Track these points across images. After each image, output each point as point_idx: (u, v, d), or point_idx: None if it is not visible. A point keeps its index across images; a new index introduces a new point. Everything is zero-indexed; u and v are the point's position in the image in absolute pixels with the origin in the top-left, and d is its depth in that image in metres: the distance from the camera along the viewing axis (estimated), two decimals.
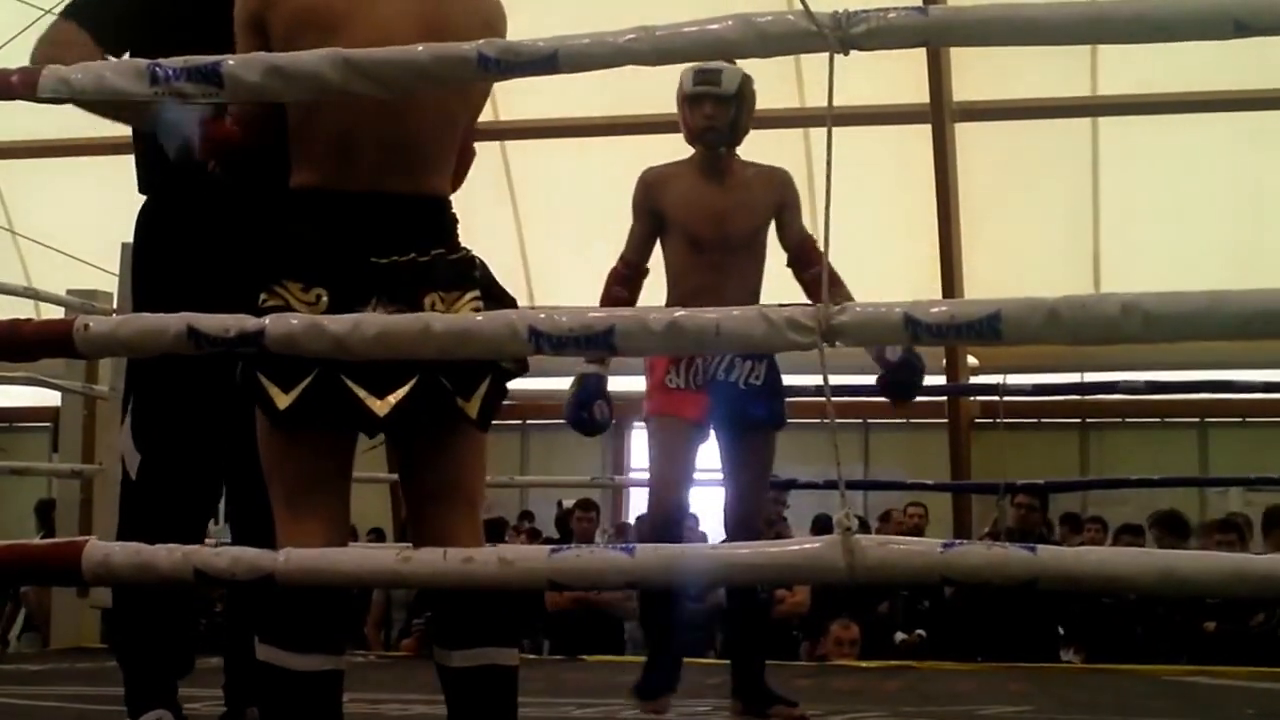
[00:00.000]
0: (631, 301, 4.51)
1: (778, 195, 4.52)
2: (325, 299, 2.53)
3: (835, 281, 4.28)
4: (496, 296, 2.64)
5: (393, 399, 2.52)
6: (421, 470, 2.66)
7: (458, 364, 2.53)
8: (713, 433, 4.51)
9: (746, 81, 4.42)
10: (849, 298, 4.16)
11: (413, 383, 2.52)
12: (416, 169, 2.62)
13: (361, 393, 2.52)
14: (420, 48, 2.35)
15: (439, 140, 2.65)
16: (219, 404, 3.04)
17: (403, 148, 2.61)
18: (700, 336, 2.25)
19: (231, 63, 2.39)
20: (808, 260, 4.52)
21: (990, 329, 2.09)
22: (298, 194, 2.64)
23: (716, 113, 4.39)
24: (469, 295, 2.59)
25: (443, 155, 2.67)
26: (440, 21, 2.60)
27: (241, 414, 2.65)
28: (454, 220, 2.69)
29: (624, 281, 4.55)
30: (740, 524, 4.42)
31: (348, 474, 2.68)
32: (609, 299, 4.48)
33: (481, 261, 2.68)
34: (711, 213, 4.45)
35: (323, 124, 2.60)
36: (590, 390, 4.43)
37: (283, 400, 2.53)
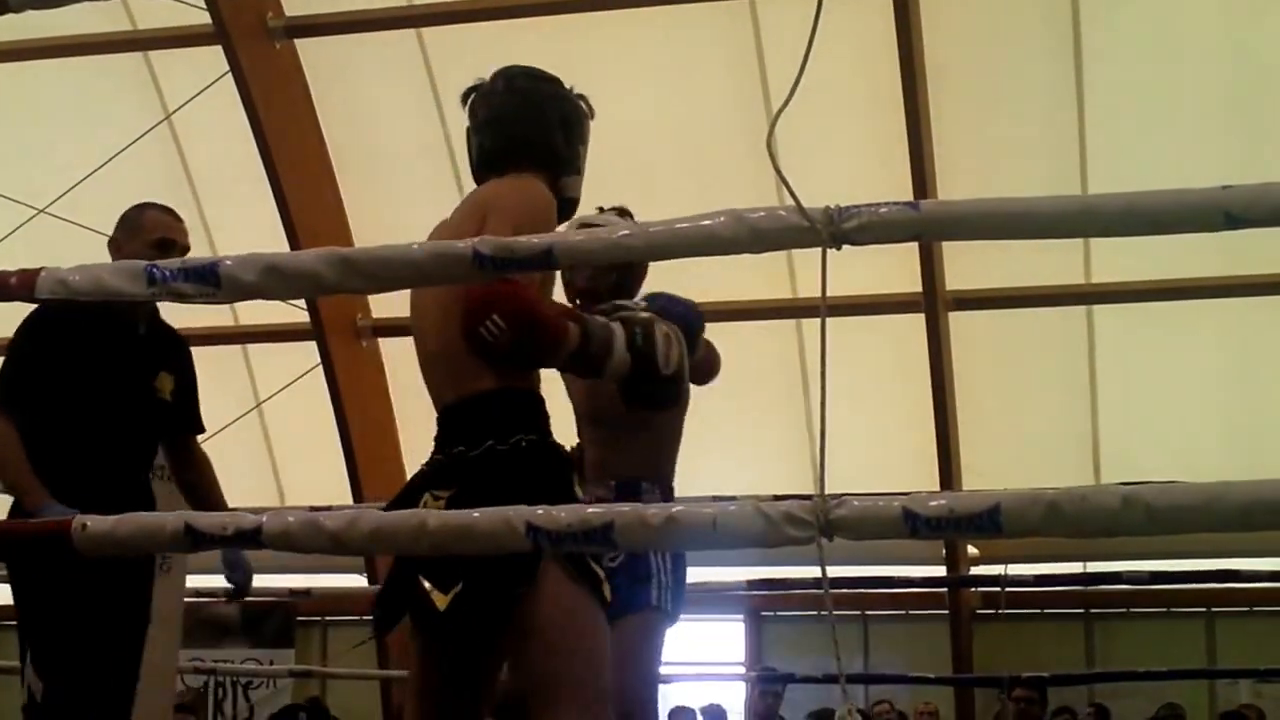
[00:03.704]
0: None
1: None
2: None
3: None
4: (479, 490, 2.61)
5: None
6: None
7: (441, 563, 2.56)
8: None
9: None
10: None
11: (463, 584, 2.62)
12: (456, 375, 2.80)
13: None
14: (415, 245, 2.37)
15: (455, 344, 2.77)
16: (118, 627, 3.46)
17: (446, 359, 2.80)
18: (697, 531, 2.23)
19: (229, 263, 2.41)
20: None
21: (990, 522, 2.07)
22: None
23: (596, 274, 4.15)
24: (444, 494, 2.67)
25: (467, 355, 2.78)
26: (437, 234, 2.92)
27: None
28: (488, 412, 2.74)
29: None
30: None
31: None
32: None
33: (519, 448, 2.71)
34: (584, 384, 4.07)
35: (417, 355, 2.91)
36: None
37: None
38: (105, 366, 3.79)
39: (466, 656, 2.75)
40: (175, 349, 4.04)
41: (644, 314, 2.96)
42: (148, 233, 3.86)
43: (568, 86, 3.11)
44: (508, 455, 2.70)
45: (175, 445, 4.06)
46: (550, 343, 2.74)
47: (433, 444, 2.84)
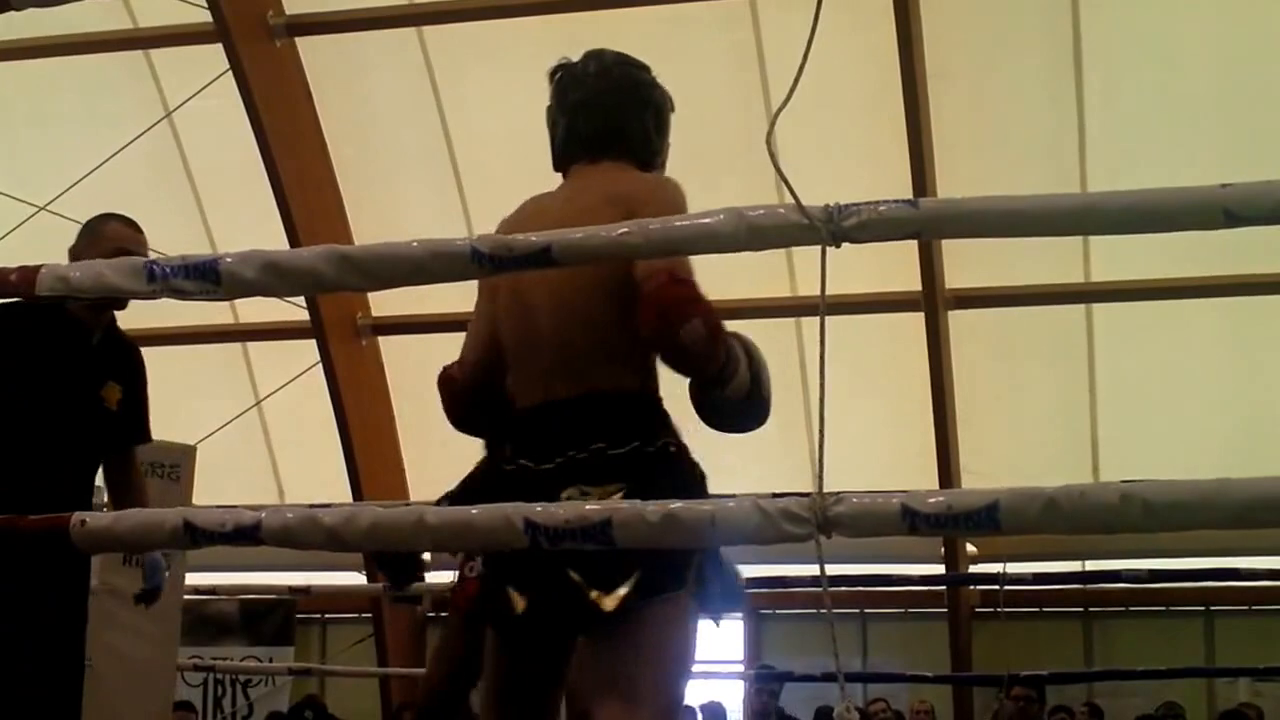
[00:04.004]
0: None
1: None
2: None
3: None
4: (651, 486, 2.52)
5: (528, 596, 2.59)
6: (584, 667, 2.67)
7: (599, 560, 2.48)
8: None
9: None
10: None
11: (544, 580, 2.56)
12: (580, 370, 2.69)
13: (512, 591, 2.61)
14: (414, 242, 2.37)
15: (597, 340, 2.69)
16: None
17: (565, 349, 2.70)
18: (695, 528, 2.23)
19: (229, 260, 2.41)
20: None
21: (989, 519, 2.07)
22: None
23: None
24: (612, 488, 2.57)
25: (608, 352, 2.69)
26: (563, 218, 2.62)
27: None
28: (633, 415, 2.68)
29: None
30: None
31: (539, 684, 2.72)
32: None
33: (668, 452, 2.67)
34: None
35: (507, 345, 2.78)
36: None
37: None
38: (53, 372, 3.81)
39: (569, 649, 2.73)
40: (127, 359, 4.05)
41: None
42: (107, 242, 3.83)
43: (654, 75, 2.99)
44: (658, 458, 2.66)
45: (116, 454, 4.08)
46: (720, 352, 2.65)
47: (528, 433, 2.71)
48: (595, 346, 2.69)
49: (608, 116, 2.90)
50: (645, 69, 2.99)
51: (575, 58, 2.99)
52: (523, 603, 2.58)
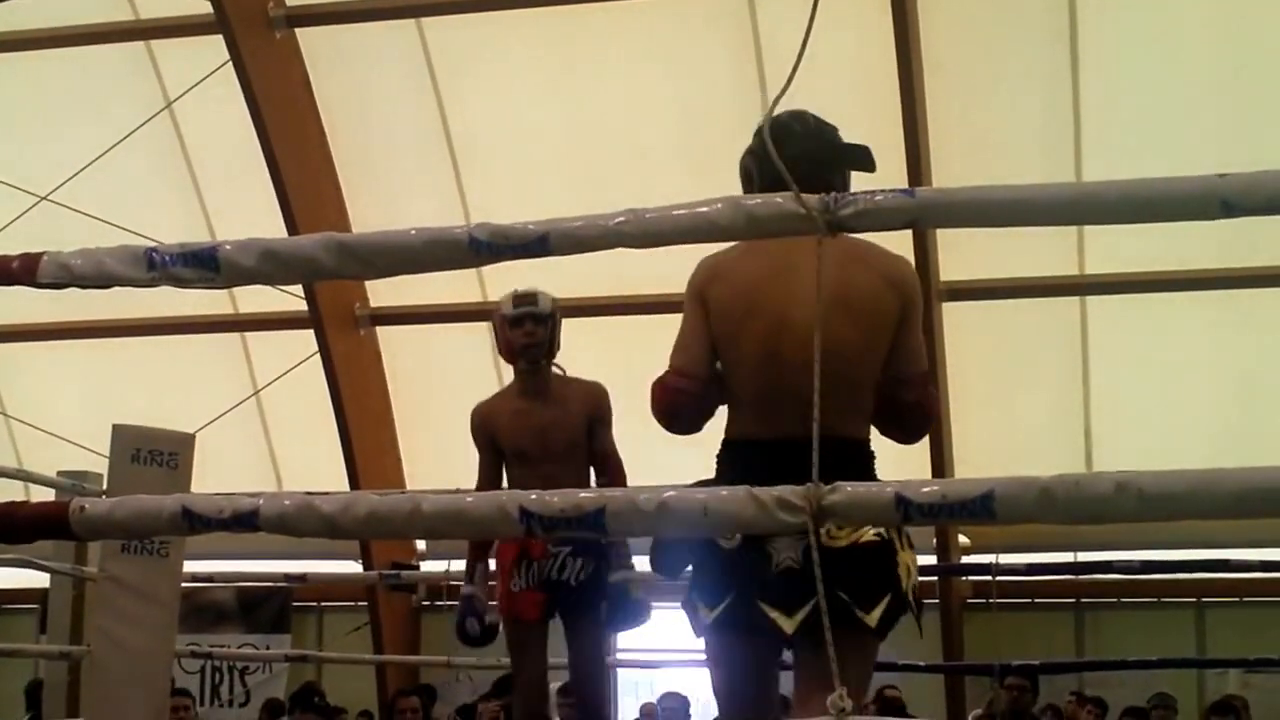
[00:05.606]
0: None
1: (590, 409, 4.89)
2: (738, 538, 2.97)
3: None
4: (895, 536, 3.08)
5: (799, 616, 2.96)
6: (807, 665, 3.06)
7: (861, 584, 2.95)
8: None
9: (556, 304, 4.91)
10: None
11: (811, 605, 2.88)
12: (842, 413, 3.00)
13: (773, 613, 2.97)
14: (412, 230, 2.37)
15: (839, 390, 2.95)
16: None
17: (803, 400, 2.87)
18: (689, 517, 2.24)
19: (228, 247, 2.41)
20: (601, 471, 4.93)
21: (983, 508, 2.08)
22: (725, 444, 3.15)
23: (536, 330, 4.81)
24: (873, 531, 3.01)
25: (846, 402, 3.04)
26: (844, 288, 3.00)
27: None
28: (861, 460, 3.11)
29: None
30: (583, 704, 4.94)
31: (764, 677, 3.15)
32: None
33: None
34: (534, 428, 4.82)
35: (742, 383, 3.10)
36: (474, 609, 4.92)
37: (707, 615, 3.05)
38: None
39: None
40: None
41: None
42: None
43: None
44: None
45: None
46: None
47: (767, 465, 2.82)
48: (846, 403, 3.02)
49: (822, 171, 3.13)
50: (838, 130, 3.31)
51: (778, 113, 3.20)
52: (791, 625, 2.95)
